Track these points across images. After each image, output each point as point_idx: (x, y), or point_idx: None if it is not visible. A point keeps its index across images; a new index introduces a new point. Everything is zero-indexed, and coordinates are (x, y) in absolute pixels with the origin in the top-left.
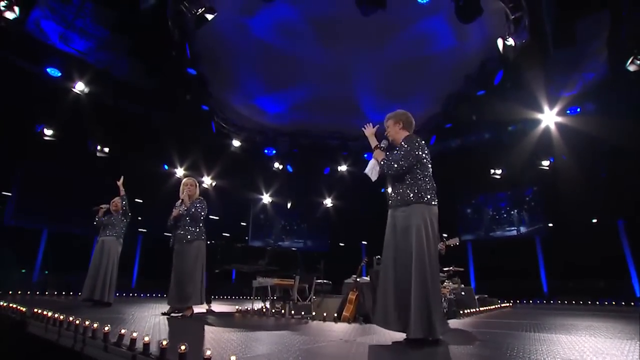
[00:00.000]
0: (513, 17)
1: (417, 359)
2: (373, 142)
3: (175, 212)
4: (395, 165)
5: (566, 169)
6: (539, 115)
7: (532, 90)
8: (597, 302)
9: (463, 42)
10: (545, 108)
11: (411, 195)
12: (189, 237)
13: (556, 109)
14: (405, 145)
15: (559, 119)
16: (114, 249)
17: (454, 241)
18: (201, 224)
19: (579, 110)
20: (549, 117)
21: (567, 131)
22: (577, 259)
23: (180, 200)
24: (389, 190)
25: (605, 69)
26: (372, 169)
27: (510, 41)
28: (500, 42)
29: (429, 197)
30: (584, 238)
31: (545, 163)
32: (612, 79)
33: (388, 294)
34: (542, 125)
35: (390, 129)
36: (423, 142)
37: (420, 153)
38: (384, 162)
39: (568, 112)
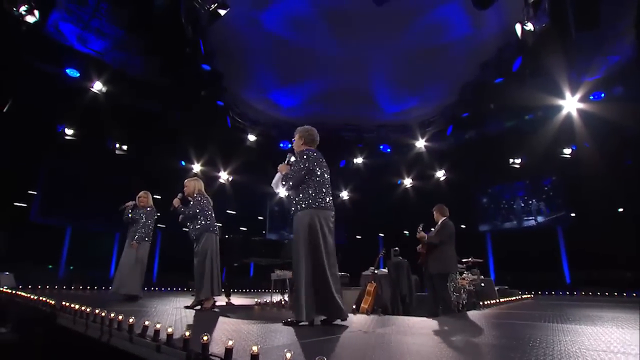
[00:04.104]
0: (532, 0)
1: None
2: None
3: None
4: (290, 182)
5: (589, 157)
6: (560, 102)
7: (552, 76)
8: (624, 294)
9: (479, 29)
10: (567, 94)
11: (303, 201)
12: (194, 234)
13: (578, 95)
14: (299, 160)
15: (582, 105)
16: (144, 248)
17: (420, 234)
18: (202, 218)
19: (603, 95)
20: (571, 104)
21: (590, 117)
22: (601, 249)
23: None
24: (291, 197)
25: (632, 51)
26: (277, 182)
27: (530, 26)
28: (518, 27)
29: (319, 202)
30: (609, 228)
31: (567, 151)
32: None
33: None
34: (564, 112)
35: (295, 142)
36: (316, 154)
37: (310, 165)
38: (283, 177)
39: (591, 97)
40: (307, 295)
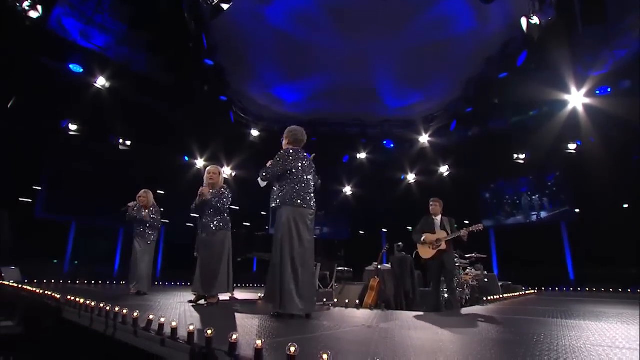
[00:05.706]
0: None
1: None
2: None
3: (198, 200)
4: (265, 174)
5: (595, 152)
6: (566, 97)
7: (558, 70)
8: (629, 290)
9: (484, 23)
10: (573, 89)
11: (278, 199)
12: (213, 227)
13: (584, 90)
14: (277, 158)
15: (587, 100)
16: (151, 247)
17: (478, 227)
18: (226, 214)
19: (609, 90)
20: (577, 98)
21: (596, 113)
22: (606, 245)
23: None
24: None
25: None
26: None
27: (535, 19)
28: (524, 21)
29: (293, 200)
30: (614, 223)
31: (572, 147)
32: None
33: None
34: (569, 107)
35: (283, 141)
36: (296, 153)
37: (289, 163)
38: (262, 169)
39: (597, 92)
40: (279, 287)
